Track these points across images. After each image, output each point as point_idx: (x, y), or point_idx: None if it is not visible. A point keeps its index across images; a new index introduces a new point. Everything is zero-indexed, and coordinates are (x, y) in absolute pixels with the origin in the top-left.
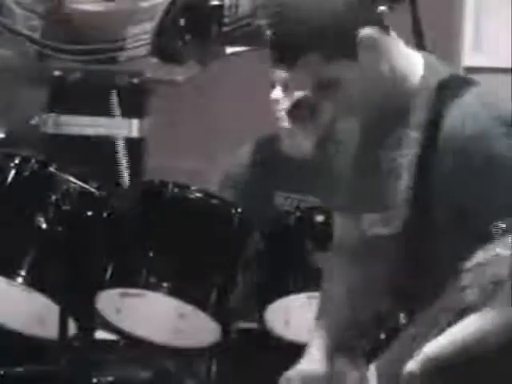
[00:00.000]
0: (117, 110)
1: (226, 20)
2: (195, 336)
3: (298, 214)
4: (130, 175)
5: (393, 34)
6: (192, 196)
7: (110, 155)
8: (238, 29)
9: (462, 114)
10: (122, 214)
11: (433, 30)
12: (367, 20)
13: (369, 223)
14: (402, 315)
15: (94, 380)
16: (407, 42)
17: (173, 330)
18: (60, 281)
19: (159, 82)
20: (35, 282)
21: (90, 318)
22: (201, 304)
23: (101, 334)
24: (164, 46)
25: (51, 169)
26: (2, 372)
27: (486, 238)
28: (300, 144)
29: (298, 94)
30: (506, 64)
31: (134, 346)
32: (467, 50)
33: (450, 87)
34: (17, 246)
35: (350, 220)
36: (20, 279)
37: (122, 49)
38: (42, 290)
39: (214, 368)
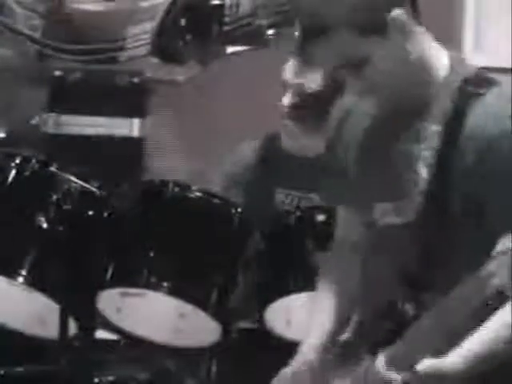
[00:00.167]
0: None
1: (227, 19)
2: (195, 336)
3: (299, 213)
4: (130, 175)
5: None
6: (192, 196)
7: (110, 155)
8: (238, 28)
9: (484, 113)
10: (122, 214)
11: (433, 30)
12: (400, 2)
13: (381, 213)
14: (409, 306)
15: (95, 380)
16: None
17: (173, 330)
18: (60, 280)
19: (159, 82)
20: (36, 282)
21: (91, 318)
22: (201, 304)
23: (101, 334)
24: (164, 46)
25: (52, 168)
26: (2, 372)
27: (503, 232)
28: (302, 145)
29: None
30: (506, 64)
31: (134, 346)
32: (467, 49)
33: (474, 85)
34: (17, 246)
35: (355, 215)
36: (21, 279)
37: (122, 48)
38: (42, 289)
39: (214, 368)
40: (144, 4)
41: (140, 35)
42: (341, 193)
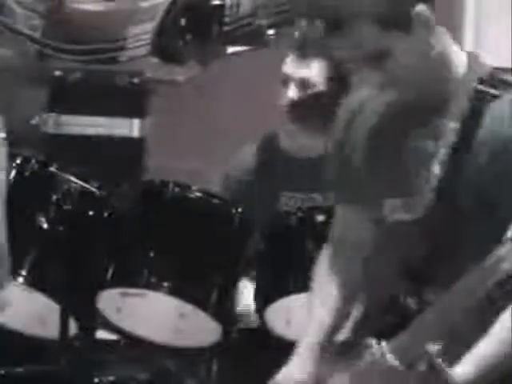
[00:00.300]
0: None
1: (227, 19)
2: (195, 336)
3: (300, 214)
4: (130, 175)
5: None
6: (192, 196)
7: (110, 155)
8: (238, 28)
9: (500, 115)
10: (122, 214)
11: None
12: None
13: (390, 209)
14: (411, 300)
15: (95, 380)
16: None
17: (173, 330)
18: (61, 280)
19: (159, 82)
20: (36, 282)
21: (91, 318)
22: (201, 304)
23: (101, 334)
24: (165, 46)
25: (52, 169)
26: (2, 372)
27: None
28: (301, 145)
29: (315, 90)
30: (506, 64)
31: (134, 346)
32: (467, 49)
33: (490, 86)
34: (17, 246)
35: (360, 213)
36: (21, 279)
37: (122, 48)
38: (42, 289)
39: (214, 368)
40: (144, 4)
41: (140, 35)
42: (349, 191)
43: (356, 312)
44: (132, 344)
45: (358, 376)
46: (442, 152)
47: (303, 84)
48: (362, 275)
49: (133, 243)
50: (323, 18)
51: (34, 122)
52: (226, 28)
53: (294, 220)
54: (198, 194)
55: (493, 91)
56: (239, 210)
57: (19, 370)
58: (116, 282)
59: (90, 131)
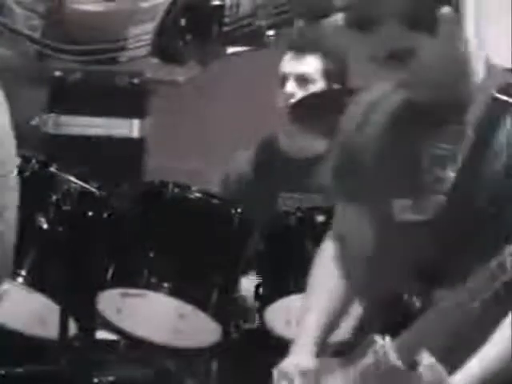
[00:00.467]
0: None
1: (227, 20)
2: (195, 336)
3: (299, 214)
4: (130, 175)
5: None
6: (192, 196)
7: (110, 155)
8: (238, 29)
9: None
10: (122, 214)
11: None
12: (449, 0)
13: (399, 209)
14: (416, 299)
15: (95, 380)
16: None
17: (173, 330)
18: (60, 281)
19: (159, 83)
20: (36, 282)
21: (91, 318)
22: (201, 304)
23: (101, 334)
24: (165, 46)
25: (52, 169)
26: (2, 372)
27: None
28: (301, 145)
29: (314, 87)
30: (506, 64)
31: (134, 346)
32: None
33: (508, 96)
34: (17, 246)
35: (366, 212)
36: (20, 279)
37: (122, 49)
38: (42, 290)
39: (214, 368)
40: (144, 4)
41: (141, 36)
42: (355, 190)
43: (357, 311)
44: (132, 344)
45: (359, 374)
46: (457, 155)
47: (301, 80)
48: (363, 274)
49: (133, 243)
50: (353, 16)
51: (34, 122)
52: (225, 28)
53: (293, 220)
54: (198, 195)
55: (510, 102)
56: (239, 210)
57: (19, 370)
58: (116, 283)
59: (90, 131)
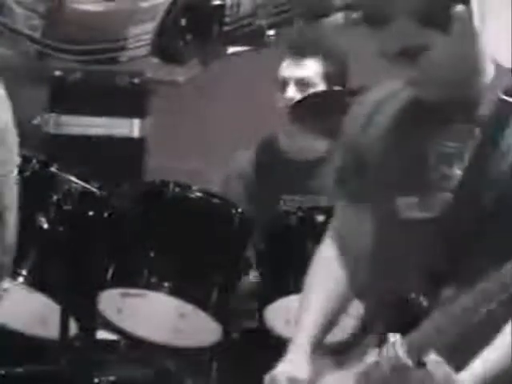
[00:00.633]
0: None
1: (227, 19)
2: (196, 336)
3: (300, 214)
4: (130, 175)
5: None
6: (193, 196)
7: (110, 155)
8: (239, 28)
9: None
10: (122, 214)
11: None
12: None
13: (405, 206)
14: (423, 298)
15: (95, 380)
16: None
17: (173, 330)
18: (61, 281)
19: (160, 83)
20: (36, 282)
21: (91, 318)
22: (201, 304)
23: (102, 334)
24: (165, 46)
25: (52, 169)
26: (2, 372)
27: None
28: (301, 146)
29: (313, 90)
30: (506, 64)
31: (134, 346)
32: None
33: None
34: (18, 246)
35: (362, 211)
36: (21, 279)
37: (123, 49)
38: (43, 289)
39: (214, 368)
40: (144, 4)
41: (141, 35)
42: (361, 192)
43: (357, 311)
44: (132, 344)
45: (363, 373)
46: (464, 154)
47: (302, 84)
48: (363, 274)
49: (133, 243)
50: (367, 13)
51: (35, 122)
52: (226, 28)
53: (294, 220)
54: (199, 194)
55: None
56: (239, 210)
57: (19, 370)
58: (116, 283)
59: (91, 131)
